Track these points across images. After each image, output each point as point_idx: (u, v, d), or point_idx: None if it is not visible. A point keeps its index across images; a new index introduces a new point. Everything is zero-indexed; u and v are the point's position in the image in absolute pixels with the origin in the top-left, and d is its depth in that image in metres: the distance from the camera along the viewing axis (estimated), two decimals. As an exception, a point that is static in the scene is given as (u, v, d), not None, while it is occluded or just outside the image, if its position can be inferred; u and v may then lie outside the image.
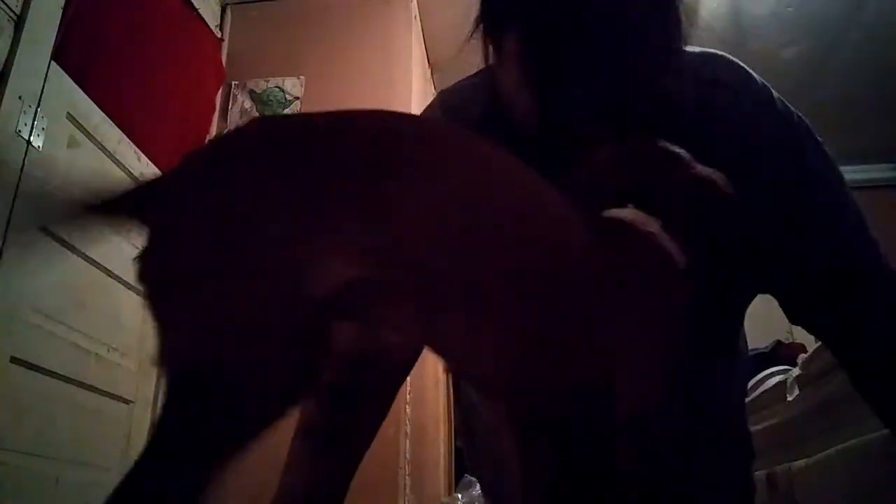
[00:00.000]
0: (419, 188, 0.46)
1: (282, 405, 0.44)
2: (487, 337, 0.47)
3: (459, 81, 0.79)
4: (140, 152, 1.86)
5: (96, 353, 1.64)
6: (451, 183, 0.47)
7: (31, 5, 1.45)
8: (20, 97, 1.41)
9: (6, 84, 1.38)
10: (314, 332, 0.45)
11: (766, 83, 0.76)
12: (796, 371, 1.57)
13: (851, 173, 3.51)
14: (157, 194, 0.49)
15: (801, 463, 1.43)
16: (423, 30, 2.56)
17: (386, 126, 0.50)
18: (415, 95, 2.28)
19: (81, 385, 1.58)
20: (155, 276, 0.46)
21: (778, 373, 1.75)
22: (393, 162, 0.47)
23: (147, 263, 0.46)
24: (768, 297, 0.77)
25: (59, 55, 1.55)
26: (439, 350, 0.51)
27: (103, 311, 1.68)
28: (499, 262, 0.46)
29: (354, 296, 0.46)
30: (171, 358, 0.44)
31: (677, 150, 0.59)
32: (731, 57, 0.76)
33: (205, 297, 0.43)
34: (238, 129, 0.52)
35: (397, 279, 0.46)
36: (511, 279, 0.46)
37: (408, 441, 1.92)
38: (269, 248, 0.44)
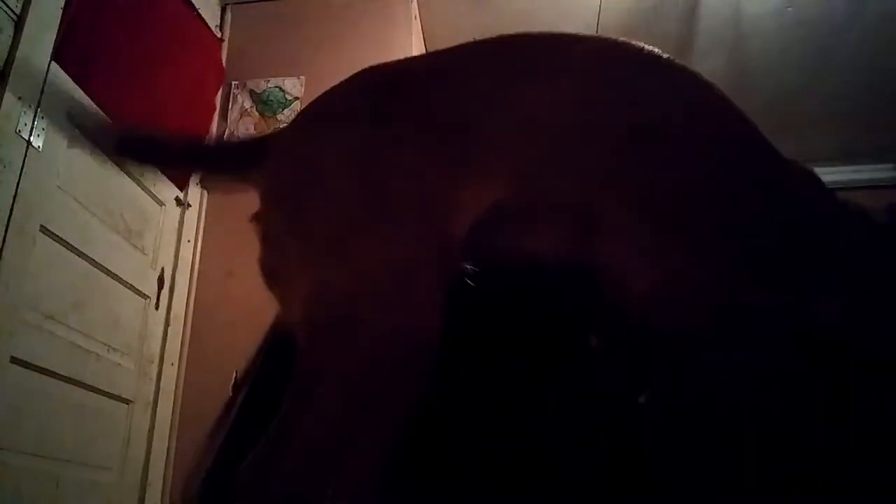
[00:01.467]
0: (564, 90, 0.42)
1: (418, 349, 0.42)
2: (655, 244, 0.44)
3: None
4: (140, 152, 1.86)
5: (96, 353, 1.64)
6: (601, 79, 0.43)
7: (31, 5, 1.45)
8: (20, 97, 1.41)
9: (6, 84, 1.38)
10: (453, 270, 0.43)
11: None
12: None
13: (851, 173, 3.52)
14: (275, 148, 0.47)
15: (801, 463, 1.43)
16: (423, 30, 2.56)
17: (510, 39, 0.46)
18: (415, 95, 2.28)
19: (81, 385, 1.58)
20: (300, 220, 0.44)
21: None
22: (532, 66, 0.43)
23: (284, 209, 0.44)
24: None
25: (59, 55, 1.55)
26: (599, 265, 0.46)
27: (103, 311, 1.68)
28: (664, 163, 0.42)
29: (502, 226, 0.43)
30: (316, 302, 0.43)
31: None
32: None
33: (355, 239, 0.42)
34: (345, 85, 0.49)
35: (552, 197, 0.43)
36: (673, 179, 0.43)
37: (408, 441, 1.92)
38: (412, 181, 0.42)
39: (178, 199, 2.06)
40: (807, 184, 0.57)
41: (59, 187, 1.54)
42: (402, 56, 2.32)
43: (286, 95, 2.27)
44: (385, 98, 0.46)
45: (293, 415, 0.43)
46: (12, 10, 1.42)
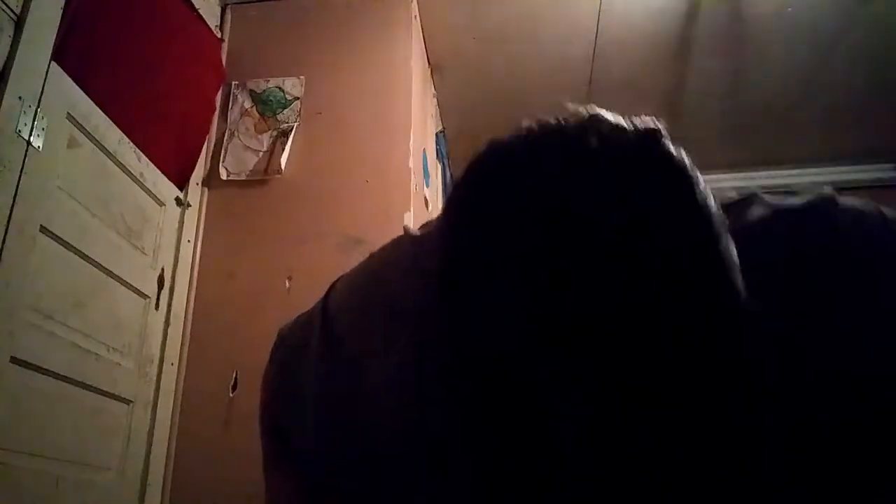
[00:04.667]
0: None
1: None
2: None
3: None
4: (140, 152, 1.87)
5: (96, 353, 1.64)
6: None
7: (31, 5, 1.45)
8: (20, 97, 1.41)
9: (6, 84, 1.38)
10: None
11: None
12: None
13: (851, 173, 3.52)
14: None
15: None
16: (423, 30, 2.56)
17: None
18: (415, 95, 2.28)
19: (81, 385, 1.58)
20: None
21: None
22: None
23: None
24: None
25: (59, 55, 1.55)
26: None
27: (103, 311, 1.68)
28: None
29: None
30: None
31: None
32: None
33: None
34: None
35: None
36: None
37: (408, 441, 1.92)
38: None
39: (178, 199, 2.06)
40: None
41: (59, 187, 1.54)
42: (402, 56, 2.32)
43: (286, 95, 2.27)
44: None
45: None
46: (12, 10, 1.42)
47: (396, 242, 0.60)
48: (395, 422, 0.51)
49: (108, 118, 1.73)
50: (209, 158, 2.23)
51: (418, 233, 0.60)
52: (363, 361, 0.55)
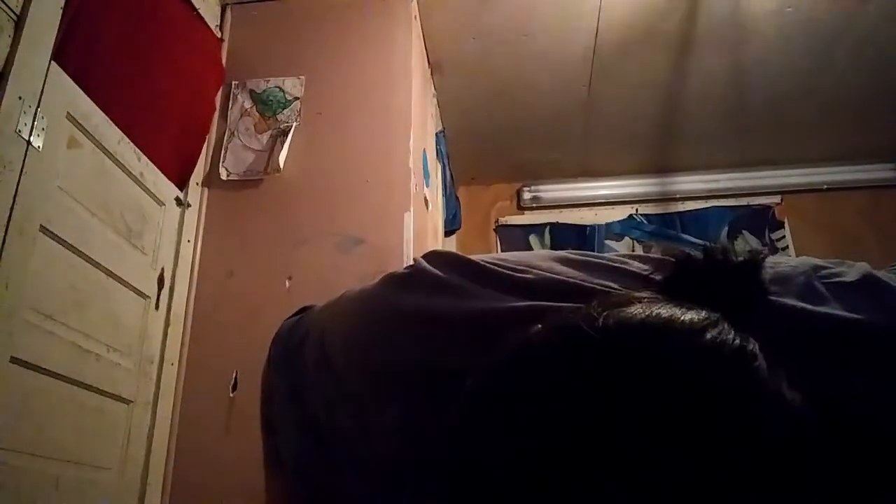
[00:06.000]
0: None
1: None
2: None
3: None
4: (140, 152, 1.87)
5: (96, 353, 1.64)
6: None
7: (31, 5, 1.45)
8: (20, 97, 1.41)
9: (6, 84, 1.38)
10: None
11: None
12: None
13: (851, 173, 3.52)
14: None
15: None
16: (423, 30, 2.56)
17: None
18: (415, 95, 2.28)
19: (81, 385, 1.58)
20: None
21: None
22: None
23: None
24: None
25: (59, 55, 1.55)
26: None
27: (103, 311, 1.68)
28: None
29: None
30: None
31: None
32: None
33: None
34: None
35: None
36: None
37: (408, 441, 1.92)
38: None
39: (178, 199, 2.06)
40: None
41: (59, 187, 1.54)
42: (402, 56, 2.32)
43: (286, 95, 2.27)
44: None
45: None
46: (12, 10, 1.42)
47: (403, 308, 0.60)
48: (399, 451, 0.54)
49: (107, 118, 1.73)
50: (209, 158, 2.23)
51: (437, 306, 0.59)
52: (364, 401, 0.57)
